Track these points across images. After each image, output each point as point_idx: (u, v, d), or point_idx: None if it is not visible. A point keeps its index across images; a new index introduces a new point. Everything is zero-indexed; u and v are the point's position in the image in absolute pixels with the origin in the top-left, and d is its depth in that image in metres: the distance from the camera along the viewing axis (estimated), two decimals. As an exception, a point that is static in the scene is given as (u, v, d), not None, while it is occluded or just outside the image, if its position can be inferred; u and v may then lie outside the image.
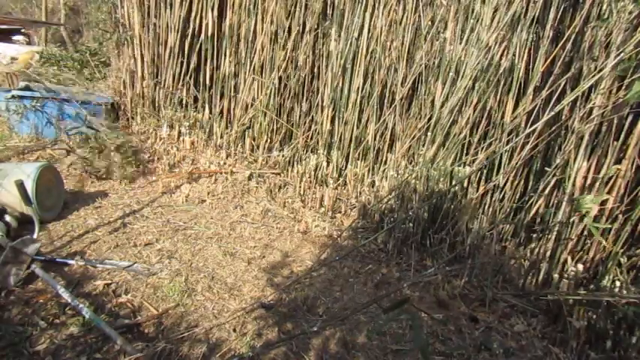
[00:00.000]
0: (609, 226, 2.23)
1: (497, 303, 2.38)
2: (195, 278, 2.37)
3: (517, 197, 2.91)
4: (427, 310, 2.27)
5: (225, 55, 4.12)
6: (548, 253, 2.46)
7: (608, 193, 2.28)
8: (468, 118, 2.96)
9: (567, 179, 2.41)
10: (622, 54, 2.13)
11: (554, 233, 2.42)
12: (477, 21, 2.94)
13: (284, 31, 3.87)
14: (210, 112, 4.24)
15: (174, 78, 4.29)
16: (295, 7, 3.82)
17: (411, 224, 2.87)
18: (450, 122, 3.02)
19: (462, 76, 2.96)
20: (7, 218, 2.51)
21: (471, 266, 2.55)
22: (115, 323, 1.91)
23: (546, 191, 2.61)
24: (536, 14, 2.74)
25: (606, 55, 2.31)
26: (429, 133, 3.14)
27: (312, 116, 3.96)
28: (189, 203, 3.36)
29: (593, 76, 2.27)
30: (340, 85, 3.63)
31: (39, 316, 1.90)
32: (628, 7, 2.20)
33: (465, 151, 3.04)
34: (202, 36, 4.10)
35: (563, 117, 2.63)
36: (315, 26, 3.81)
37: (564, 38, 2.59)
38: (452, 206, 2.87)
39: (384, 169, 3.50)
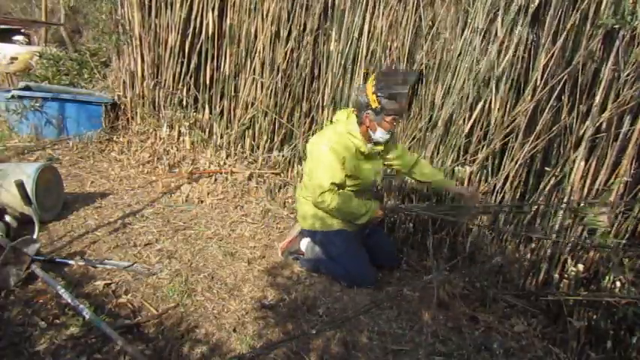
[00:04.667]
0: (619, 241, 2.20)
1: (497, 303, 2.38)
2: (195, 278, 2.37)
3: (517, 197, 2.90)
4: (427, 310, 2.27)
5: (225, 55, 4.11)
6: (549, 254, 2.45)
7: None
8: (468, 118, 2.95)
9: (567, 179, 2.41)
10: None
11: (554, 234, 2.42)
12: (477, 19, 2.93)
13: (284, 31, 3.87)
14: (211, 112, 4.23)
15: (174, 78, 4.28)
16: (296, 7, 3.81)
17: (411, 224, 2.87)
18: (450, 122, 3.02)
19: (462, 76, 2.95)
20: (7, 218, 2.51)
21: (471, 266, 2.54)
22: (115, 323, 1.90)
23: (546, 191, 2.60)
24: (537, 13, 2.73)
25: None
26: (429, 133, 3.13)
27: (313, 116, 3.95)
28: (189, 203, 3.36)
29: (593, 74, 2.26)
30: (341, 85, 3.62)
31: (39, 316, 1.90)
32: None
33: (465, 151, 3.04)
34: (203, 36, 4.09)
35: (563, 116, 2.62)
36: (316, 26, 3.81)
37: (564, 36, 2.58)
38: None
39: (384, 169, 3.50)
